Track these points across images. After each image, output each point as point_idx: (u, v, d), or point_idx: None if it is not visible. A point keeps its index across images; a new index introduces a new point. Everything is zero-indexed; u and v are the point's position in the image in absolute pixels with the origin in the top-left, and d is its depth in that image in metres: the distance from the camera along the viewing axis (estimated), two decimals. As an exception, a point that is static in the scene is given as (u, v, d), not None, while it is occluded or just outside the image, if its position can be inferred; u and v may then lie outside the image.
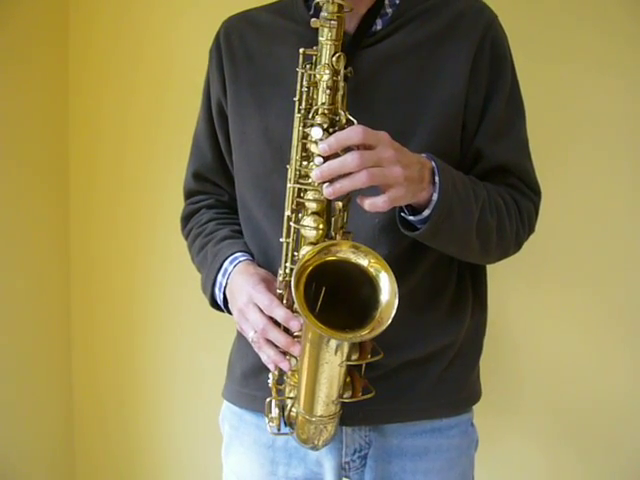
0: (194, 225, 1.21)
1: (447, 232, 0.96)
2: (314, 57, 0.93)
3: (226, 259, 1.09)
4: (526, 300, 1.66)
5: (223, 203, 1.21)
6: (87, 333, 2.01)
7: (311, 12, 1.08)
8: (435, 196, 0.92)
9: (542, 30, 1.56)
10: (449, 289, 1.10)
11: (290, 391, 1.02)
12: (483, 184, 1.04)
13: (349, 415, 1.01)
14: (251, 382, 1.12)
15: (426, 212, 0.93)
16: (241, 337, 1.12)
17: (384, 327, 0.85)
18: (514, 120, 1.09)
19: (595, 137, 1.57)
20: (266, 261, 1.09)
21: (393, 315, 0.85)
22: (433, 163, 0.94)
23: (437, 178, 0.93)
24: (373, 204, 0.88)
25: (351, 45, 1.03)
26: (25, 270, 1.85)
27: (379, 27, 1.06)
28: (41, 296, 1.92)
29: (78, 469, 2.05)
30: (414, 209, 0.95)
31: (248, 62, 1.10)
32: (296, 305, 0.85)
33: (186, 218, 1.24)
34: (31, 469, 1.90)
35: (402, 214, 0.96)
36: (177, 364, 1.95)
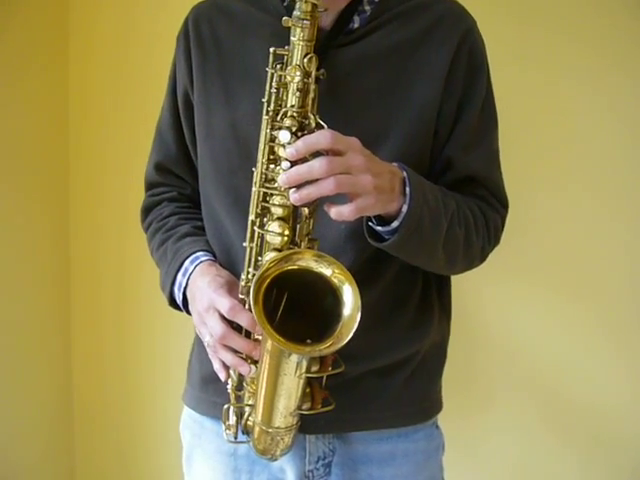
0: (154, 218, 1.16)
1: (415, 244, 0.93)
2: (285, 57, 0.89)
3: (187, 258, 1.05)
4: (520, 302, 1.64)
5: (185, 196, 1.16)
6: (87, 333, 1.99)
7: (285, 3, 1.04)
8: (405, 208, 0.89)
9: (527, 35, 1.54)
10: (414, 298, 1.07)
11: (249, 398, 0.99)
12: (452, 195, 1.01)
13: (311, 423, 0.99)
14: (211, 388, 1.09)
15: (395, 223, 0.90)
16: (199, 340, 1.09)
17: (344, 342, 0.82)
18: (486, 131, 1.06)
19: (589, 138, 1.55)
20: (228, 261, 1.06)
21: (354, 330, 0.83)
22: (404, 173, 0.91)
23: (408, 189, 0.90)
24: (339, 212, 0.85)
25: (326, 43, 0.99)
26: (25, 270, 1.84)
27: (356, 25, 1.02)
28: (41, 296, 1.91)
29: (78, 469, 2.05)
30: (382, 219, 0.92)
31: (217, 51, 1.06)
32: (254, 317, 0.82)
33: (146, 210, 1.19)
34: (31, 469, 1.89)
35: (370, 224, 0.93)
36: (177, 365, 1.90)
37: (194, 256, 1.05)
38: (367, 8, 1.02)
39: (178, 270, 1.05)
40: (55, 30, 1.88)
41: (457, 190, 1.03)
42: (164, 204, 1.16)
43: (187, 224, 1.12)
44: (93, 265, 1.96)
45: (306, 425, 0.98)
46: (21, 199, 1.80)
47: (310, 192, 0.84)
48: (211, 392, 1.09)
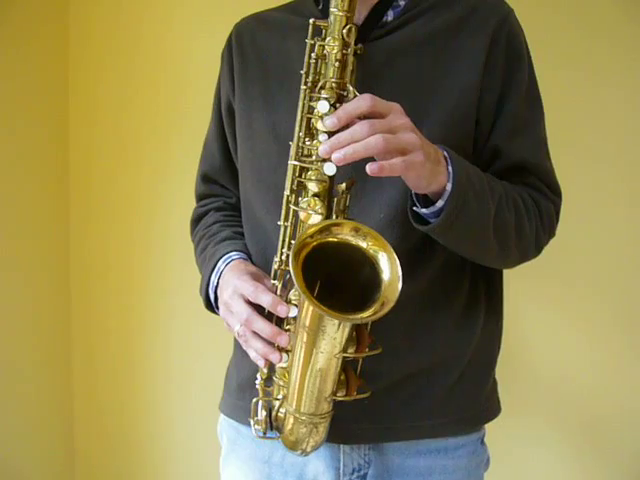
0: (200, 227, 1.17)
1: (462, 226, 0.89)
2: (324, 29, 0.89)
3: (220, 259, 1.05)
4: (541, 307, 1.62)
5: (231, 205, 1.17)
6: (87, 334, 2.00)
7: (320, 7, 1.06)
8: (449, 186, 0.86)
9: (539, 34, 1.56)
10: (460, 294, 1.02)
11: (279, 392, 0.95)
12: (499, 181, 0.98)
13: (346, 433, 0.95)
14: (247, 394, 1.04)
15: (439, 203, 0.87)
16: (238, 348, 1.07)
17: (388, 309, 0.79)
18: (532, 118, 1.04)
19: (594, 139, 1.56)
20: (264, 260, 1.03)
21: (397, 297, 0.80)
22: (445, 153, 0.89)
23: (450, 168, 0.87)
24: (392, 166, 0.79)
25: (359, 37, 0.98)
26: (25, 271, 1.84)
27: (390, 18, 1.02)
28: (41, 296, 1.91)
29: (78, 470, 2.03)
30: (426, 201, 0.89)
31: (258, 59, 1.08)
32: (294, 281, 0.79)
33: (195, 221, 1.21)
34: (31, 469, 1.88)
35: (414, 209, 0.90)
36: (177, 366, 1.93)
37: (227, 256, 1.05)
38: (401, 3, 1.03)
39: (212, 271, 1.05)
40: (55, 29, 1.91)
41: (507, 180, 1.00)
42: (210, 213, 1.18)
43: (228, 230, 1.12)
44: (93, 266, 1.97)
45: (340, 435, 0.94)
46: (21, 199, 1.81)
47: (356, 150, 0.79)
48: (248, 399, 1.03)
